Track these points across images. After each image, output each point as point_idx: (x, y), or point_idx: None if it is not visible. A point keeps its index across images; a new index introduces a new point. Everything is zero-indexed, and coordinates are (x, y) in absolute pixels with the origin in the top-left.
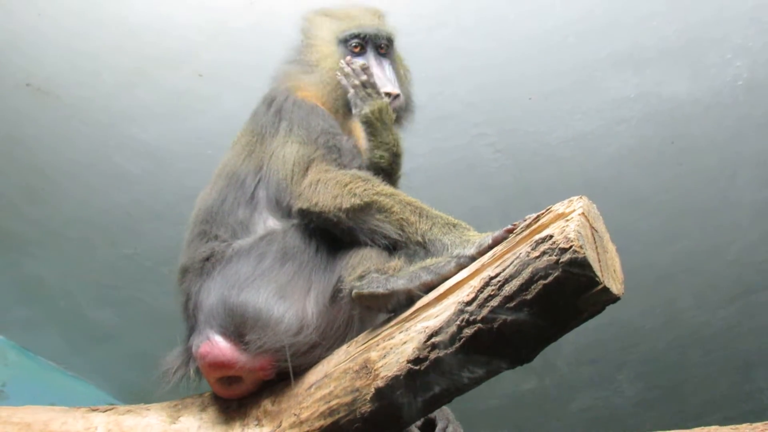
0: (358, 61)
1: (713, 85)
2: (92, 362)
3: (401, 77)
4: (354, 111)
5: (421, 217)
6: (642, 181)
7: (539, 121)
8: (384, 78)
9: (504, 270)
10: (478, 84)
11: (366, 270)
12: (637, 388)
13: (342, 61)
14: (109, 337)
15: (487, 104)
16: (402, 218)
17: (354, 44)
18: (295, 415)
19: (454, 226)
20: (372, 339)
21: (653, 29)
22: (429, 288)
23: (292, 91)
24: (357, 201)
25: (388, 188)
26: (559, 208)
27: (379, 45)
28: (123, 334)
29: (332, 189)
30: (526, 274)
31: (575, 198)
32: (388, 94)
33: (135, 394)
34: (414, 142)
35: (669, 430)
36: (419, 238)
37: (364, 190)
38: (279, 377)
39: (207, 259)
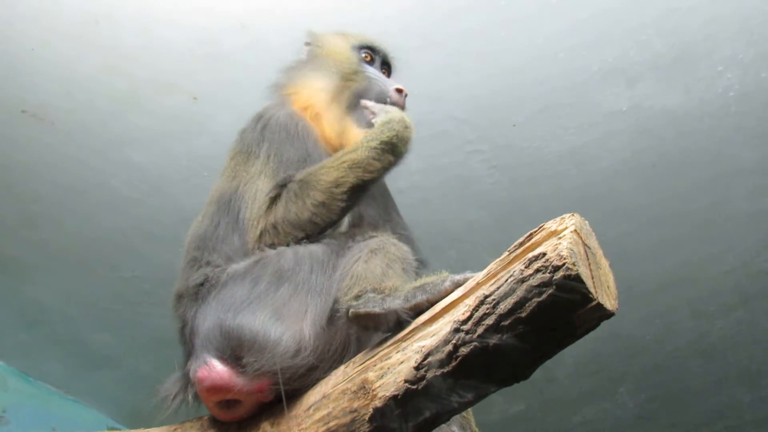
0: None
1: (705, 97)
2: (92, 386)
3: None
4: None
5: None
6: (637, 193)
7: (533, 137)
8: (389, 82)
9: (498, 288)
10: (470, 101)
11: (362, 290)
12: (638, 400)
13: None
14: (109, 360)
15: (481, 121)
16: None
17: (365, 53)
18: None
19: None
20: (369, 359)
21: (643, 43)
22: (425, 307)
23: (286, 103)
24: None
25: None
26: (551, 225)
27: (384, 62)
28: (123, 357)
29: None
30: (520, 292)
31: (567, 215)
32: (399, 90)
33: (135, 416)
34: (408, 160)
35: None
36: None
37: None
38: (278, 399)
39: (201, 284)
